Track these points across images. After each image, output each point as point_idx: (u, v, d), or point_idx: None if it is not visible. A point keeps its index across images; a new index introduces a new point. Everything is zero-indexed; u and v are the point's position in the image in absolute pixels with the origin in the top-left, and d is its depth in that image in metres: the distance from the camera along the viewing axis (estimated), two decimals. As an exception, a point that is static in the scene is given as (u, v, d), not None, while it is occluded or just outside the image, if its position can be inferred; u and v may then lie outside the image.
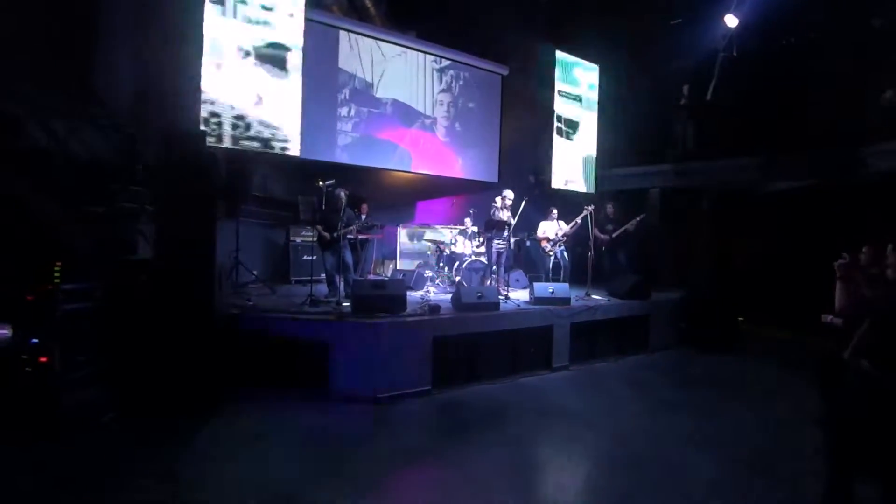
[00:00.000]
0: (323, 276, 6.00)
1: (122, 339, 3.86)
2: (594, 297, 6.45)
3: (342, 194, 5.82)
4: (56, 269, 3.46)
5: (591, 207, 6.64)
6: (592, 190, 8.91)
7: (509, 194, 6.56)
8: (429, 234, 8.10)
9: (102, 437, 3.46)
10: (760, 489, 3.10)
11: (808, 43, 7.46)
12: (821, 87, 7.36)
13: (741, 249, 8.49)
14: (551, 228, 7.20)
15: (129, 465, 3.08)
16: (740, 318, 7.21)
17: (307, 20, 6.54)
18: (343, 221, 5.69)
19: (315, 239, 6.06)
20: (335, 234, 5.66)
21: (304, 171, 7.62)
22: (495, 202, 6.62)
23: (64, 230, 3.89)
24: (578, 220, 6.83)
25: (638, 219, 7.29)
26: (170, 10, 5.86)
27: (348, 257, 5.89)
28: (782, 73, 7.68)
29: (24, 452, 3.14)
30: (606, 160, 9.18)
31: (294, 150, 6.39)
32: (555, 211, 7.30)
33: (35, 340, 3.36)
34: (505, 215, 6.46)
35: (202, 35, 5.65)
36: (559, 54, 8.56)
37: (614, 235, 7.49)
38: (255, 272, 6.49)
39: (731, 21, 7.58)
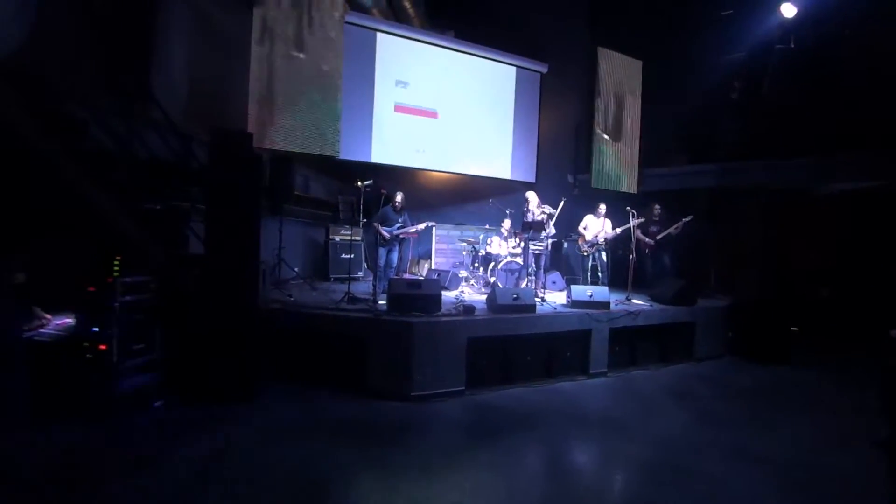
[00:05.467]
0: (360, 274, 6.28)
1: (172, 329, 4.09)
2: (635, 301, 6.23)
3: (401, 196, 6.34)
4: (116, 262, 3.70)
5: (639, 221, 6.41)
6: (635, 190, 8.61)
7: (530, 197, 6.47)
8: (464, 235, 8.09)
9: (152, 420, 3.68)
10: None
11: (871, 33, 6.88)
12: (886, 80, 6.78)
13: (796, 254, 7.96)
14: (595, 225, 6.99)
15: (173, 448, 3.25)
16: (794, 328, 6.77)
17: (346, 23, 6.68)
18: (400, 222, 6.02)
19: (366, 238, 6.45)
20: (393, 233, 6.12)
21: (344, 172, 7.82)
22: (527, 205, 6.53)
23: (124, 226, 4.15)
24: (619, 230, 6.59)
25: (682, 221, 6.99)
26: (221, 19, 6.15)
27: (395, 256, 6.33)
28: (844, 66, 7.12)
29: (83, 431, 3.38)
30: (651, 159, 8.84)
31: (334, 151, 6.54)
32: (603, 207, 7.06)
33: (95, 329, 3.61)
34: (538, 216, 6.34)
35: (251, 41, 5.87)
36: (600, 50, 8.31)
37: (658, 238, 7.22)
38: (296, 269, 6.70)
39: (789, 10, 7.12)
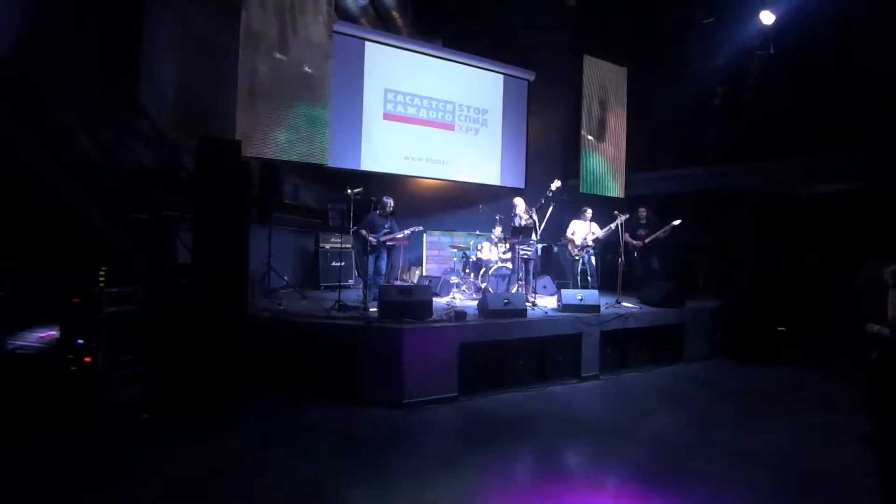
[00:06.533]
0: (350, 282, 6.19)
1: (161, 340, 4.03)
2: (625, 304, 6.28)
3: (389, 202, 6.20)
4: (101, 273, 3.65)
5: (624, 216, 6.46)
6: (622, 194, 8.72)
7: (518, 203, 6.50)
8: (455, 241, 8.11)
9: (140, 432, 3.61)
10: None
11: (849, 37, 7.09)
12: (867, 83, 6.97)
13: (782, 255, 8.11)
14: (582, 229, 7.03)
15: (161, 461, 3.19)
16: (781, 328, 6.87)
17: (335, 32, 6.71)
18: (387, 228, 5.95)
19: (350, 245, 6.34)
20: (380, 240, 5.91)
21: (333, 180, 7.81)
22: (514, 210, 6.55)
23: (110, 236, 4.10)
24: (613, 226, 6.60)
25: (671, 225, 7.07)
26: (208, 28, 6.15)
27: (384, 263, 6.14)
28: (823, 70, 7.32)
29: (68, 444, 3.31)
30: (637, 164, 8.98)
31: (323, 159, 6.54)
32: (589, 211, 7.10)
33: (80, 341, 3.54)
34: (526, 221, 6.35)
35: (239, 49, 5.87)
36: (586, 58, 8.46)
37: (647, 241, 7.29)
38: (285, 278, 6.65)
39: (768, 18, 7.32)
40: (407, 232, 6.20)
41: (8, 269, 3.85)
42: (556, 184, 6.26)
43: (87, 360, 3.53)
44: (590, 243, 6.94)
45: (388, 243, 6.21)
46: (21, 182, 3.74)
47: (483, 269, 6.84)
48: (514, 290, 6.37)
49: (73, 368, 3.52)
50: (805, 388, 5.56)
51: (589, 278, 6.98)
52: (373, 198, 6.18)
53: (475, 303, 5.85)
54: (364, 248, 6.09)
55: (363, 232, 6.01)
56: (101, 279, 3.64)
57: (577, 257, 7.02)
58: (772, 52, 7.35)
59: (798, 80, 7.53)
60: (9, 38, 4.02)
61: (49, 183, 3.80)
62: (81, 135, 4.28)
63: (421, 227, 6.38)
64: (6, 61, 3.94)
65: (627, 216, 6.53)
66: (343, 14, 7.66)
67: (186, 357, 3.96)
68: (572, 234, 7.08)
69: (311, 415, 4.12)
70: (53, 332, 3.80)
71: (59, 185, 3.83)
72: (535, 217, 6.29)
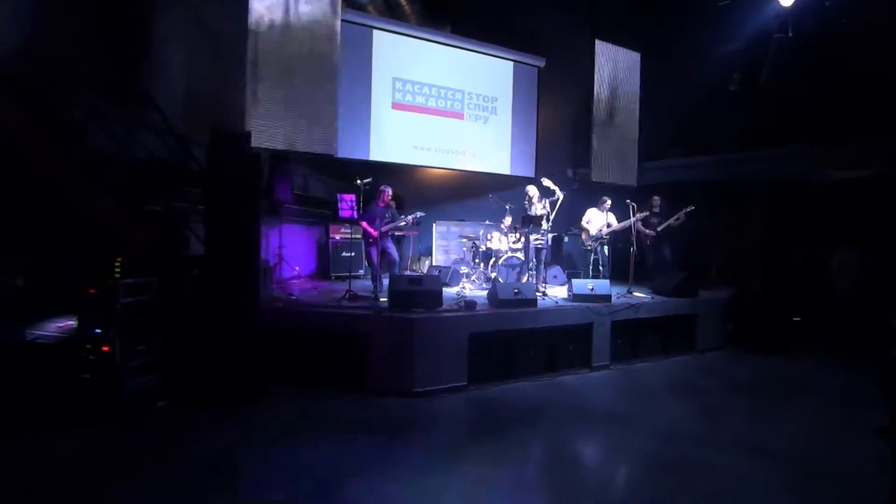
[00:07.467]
0: (360, 272, 6.14)
1: (175, 330, 4.10)
2: (637, 294, 6.23)
3: (388, 191, 6.04)
4: (117, 264, 3.71)
5: (643, 214, 6.37)
6: (634, 182, 8.59)
7: (531, 191, 6.44)
8: (464, 231, 8.09)
9: (156, 421, 3.70)
10: (814, 501, 2.90)
11: (869, 21, 6.83)
12: (886, 69, 6.73)
13: (797, 244, 7.95)
14: (599, 219, 6.92)
15: (178, 448, 3.27)
16: (796, 318, 6.76)
17: (343, 21, 6.65)
18: (387, 217, 5.86)
19: (360, 235, 6.31)
20: (381, 230, 5.84)
21: (343, 170, 7.81)
22: (530, 199, 6.48)
23: (124, 228, 4.16)
24: (630, 221, 6.43)
25: (683, 212, 6.96)
26: (217, 19, 6.13)
27: (394, 253, 6.04)
28: (843, 55, 7.07)
29: (88, 433, 3.40)
30: (650, 151, 8.82)
31: (331, 149, 6.53)
32: (608, 201, 6.95)
33: (98, 331, 3.62)
34: (540, 210, 6.29)
35: (246, 41, 5.86)
36: (598, 43, 8.28)
37: (659, 230, 7.20)
38: (297, 268, 6.71)
39: (786, 0, 7.08)
40: (409, 219, 6.04)
41: (27, 260, 3.93)
42: (546, 181, 6.31)
43: (105, 349, 3.61)
44: (604, 235, 6.86)
45: (392, 233, 6.09)
46: (37, 176, 3.79)
47: (493, 259, 6.82)
48: (524, 280, 6.35)
49: (91, 358, 3.59)
50: (819, 379, 5.49)
51: (601, 268, 6.92)
52: (381, 188, 6.15)
53: (485, 293, 5.84)
54: (366, 240, 6.00)
55: (363, 223, 5.91)
56: (117, 270, 3.70)
57: (589, 247, 6.94)
58: (790, 35, 7.11)
59: (816, 65, 7.30)
60: (21, 35, 4.05)
61: (64, 177, 3.86)
62: (94, 129, 4.32)
63: (422, 213, 6.23)
64: (19, 59, 3.97)
65: (647, 214, 6.43)
66: (350, 3, 7.58)
67: (200, 347, 4.03)
68: (587, 223, 6.97)
69: (322, 404, 4.17)
70: (71, 323, 3.89)
71: (73, 178, 3.88)
72: (548, 206, 6.25)
